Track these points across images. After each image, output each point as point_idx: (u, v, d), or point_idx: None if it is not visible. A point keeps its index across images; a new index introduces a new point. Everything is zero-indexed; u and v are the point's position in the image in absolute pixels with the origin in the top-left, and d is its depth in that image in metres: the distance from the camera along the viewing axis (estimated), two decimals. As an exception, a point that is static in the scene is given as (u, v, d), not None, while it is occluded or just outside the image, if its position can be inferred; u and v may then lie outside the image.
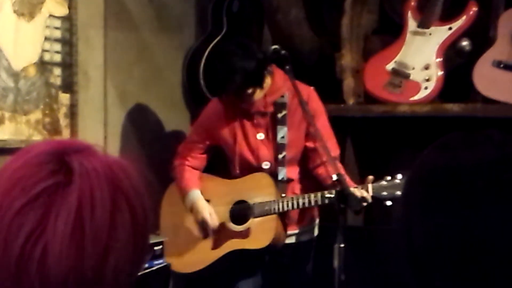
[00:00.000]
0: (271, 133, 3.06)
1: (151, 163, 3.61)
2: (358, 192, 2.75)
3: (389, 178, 2.84)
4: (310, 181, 3.10)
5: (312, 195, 2.91)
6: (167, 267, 3.00)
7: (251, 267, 3.17)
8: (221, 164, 3.28)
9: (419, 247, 1.06)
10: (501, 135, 1.06)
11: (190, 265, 3.17)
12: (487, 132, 1.07)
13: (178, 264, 3.16)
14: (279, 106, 3.04)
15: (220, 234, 3.11)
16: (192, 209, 3.13)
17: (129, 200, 0.92)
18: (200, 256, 3.14)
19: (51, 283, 0.85)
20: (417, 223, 1.06)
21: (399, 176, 2.83)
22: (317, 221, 3.23)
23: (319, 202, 2.90)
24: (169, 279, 3.02)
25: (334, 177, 2.62)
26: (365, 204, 2.79)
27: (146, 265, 2.88)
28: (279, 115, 3.04)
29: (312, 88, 3.09)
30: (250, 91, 2.90)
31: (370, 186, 2.81)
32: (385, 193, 2.82)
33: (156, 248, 2.96)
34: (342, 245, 2.50)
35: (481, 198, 1.00)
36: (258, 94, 2.95)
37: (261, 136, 3.06)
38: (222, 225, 3.11)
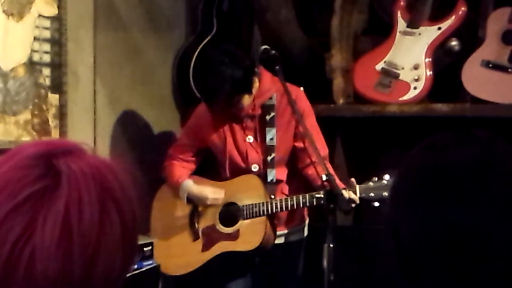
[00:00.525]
0: (260, 135, 3.06)
1: (141, 164, 3.60)
2: (346, 193, 2.76)
3: (376, 179, 2.84)
4: (300, 181, 3.10)
5: (301, 197, 2.91)
6: (156, 268, 2.99)
7: (241, 269, 3.17)
8: (210, 167, 3.28)
9: (407, 244, 1.07)
10: (487, 135, 1.07)
11: (180, 267, 3.17)
12: (473, 132, 1.09)
13: (168, 266, 3.15)
14: (268, 108, 3.05)
15: (210, 236, 3.11)
16: (190, 198, 3.11)
17: (117, 202, 0.91)
18: (189, 259, 3.14)
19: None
20: (405, 220, 1.07)
21: (386, 177, 2.84)
22: (307, 221, 3.23)
23: (308, 204, 2.90)
24: (159, 280, 3.02)
25: (324, 177, 2.63)
26: (353, 205, 2.80)
27: (136, 266, 2.87)
28: (268, 117, 3.04)
29: (300, 88, 3.09)
30: (239, 99, 2.91)
31: (357, 187, 2.82)
32: (372, 194, 2.83)
33: (145, 249, 2.95)
34: (331, 245, 2.50)
35: (467, 195, 1.02)
36: (247, 99, 2.95)
37: (250, 139, 3.07)
38: (212, 227, 3.11)
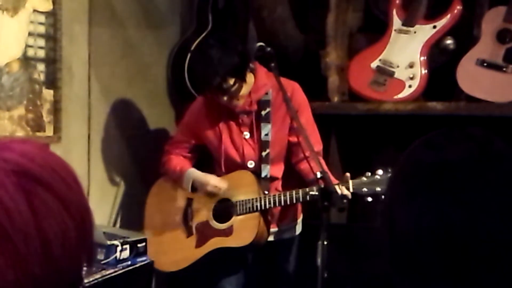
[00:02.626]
0: (256, 131, 3.06)
1: (135, 160, 3.60)
2: (338, 189, 2.76)
3: (369, 174, 2.85)
4: (296, 180, 3.10)
5: (294, 192, 2.91)
6: (149, 265, 2.99)
7: (234, 266, 3.17)
8: (205, 164, 3.28)
9: (401, 240, 1.07)
10: (482, 133, 1.08)
11: (173, 263, 3.16)
12: (469, 130, 1.09)
13: (162, 262, 3.14)
14: (263, 103, 3.04)
15: (203, 232, 3.11)
16: (194, 185, 3.11)
17: (41, 180, 0.87)
18: (183, 255, 3.14)
19: None
20: (400, 216, 1.08)
21: (380, 172, 2.84)
22: (300, 218, 3.23)
23: (301, 199, 2.90)
24: (152, 277, 3.01)
25: (318, 175, 2.62)
26: (345, 201, 2.81)
27: (129, 263, 2.87)
28: (263, 113, 3.04)
29: (296, 83, 3.09)
30: (233, 85, 2.88)
31: (350, 182, 2.83)
32: (365, 189, 2.83)
33: (139, 245, 2.95)
34: (325, 243, 2.51)
35: (463, 193, 1.02)
36: (243, 89, 2.93)
37: (246, 135, 3.07)
38: (205, 223, 3.11)
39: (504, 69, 3.21)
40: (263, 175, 3.04)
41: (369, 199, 2.83)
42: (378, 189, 2.80)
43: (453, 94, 3.38)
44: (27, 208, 0.84)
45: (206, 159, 3.26)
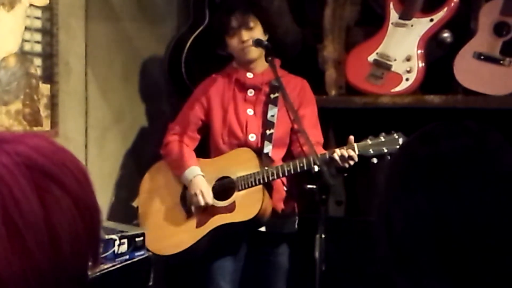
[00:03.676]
0: (262, 110, 3.10)
1: (132, 154, 3.60)
2: (344, 152, 2.81)
3: (372, 137, 2.88)
4: None
5: (297, 161, 2.90)
6: (148, 259, 2.99)
7: (229, 260, 3.14)
8: (201, 148, 3.27)
9: (398, 233, 1.08)
10: (477, 126, 1.08)
11: (173, 246, 3.12)
12: (465, 123, 1.10)
13: (161, 247, 3.11)
14: (273, 88, 3.10)
15: (204, 212, 3.07)
16: (189, 184, 3.09)
17: (53, 175, 0.88)
18: (183, 236, 3.09)
19: None
20: (397, 209, 1.08)
21: (383, 134, 2.89)
22: (296, 217, 3.22)
23: (305, 167, 2.87)
24: (150, 271, 3.01)
25: (316, 169, 2.63)
26: (352, 163, 2.84)
27: (127, 257, 2.87)
28: (272, 96, 3.10)
29: (305, 79, 3.22)
30: (250, 25, 3.05)
31: (355, 145, 2.86)
32: (371, 150, 2.87)
33: (137, 239, 2.95)
34: (323, 236, 2.51)
35: (459, 185, 1.03)
36: (256, 33, 3.06)
37: (250, 111, 3.11)
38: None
39: (501, 62, 3.21)
40: (265, 151, 3.05)
41: (375, 160, 2.86)
42: (384, 149, 2.85)
43: (450, 87, 3.38)
44: (38, 202, 0.84)
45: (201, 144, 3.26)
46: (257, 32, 3.10)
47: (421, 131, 1.13)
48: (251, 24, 3.09)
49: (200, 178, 3.07)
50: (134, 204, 3.22)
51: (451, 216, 1.02)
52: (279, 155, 3.12)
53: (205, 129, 3.22)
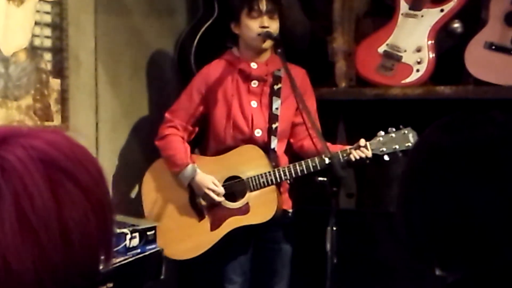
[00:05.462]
0: (267, 102, 3.07)
1: (143, 148, 3.61)
2: (361, 153, 2.84)
3: (382, 133, 2.88)
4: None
5: (310, 161, 2.89)
6: (159, 252, 2.99)
7: (239, 252, 3.14)
8: (199, 142, 3.25)
9: (417, 225, 1.06)
10: (503, 116, 1.06)
11: (189, 250, 3.08)
12: (489, 113, 1.08)
13: (175, 251, 3.08)
14: (276, 78, 3.08)
15: (216, 214, 3.05)
16: (192, 185, 3.06)
17: (67, 170, 0.88)
18: (199, 240, 3.06)
19: (27, 285, 0.83)
20: (417, 201, 1.07)
21: (392, 129, 2.91)
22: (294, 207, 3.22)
23: (319, 167, 2.87)
24: (162, 264, 3.01)
25: (327, 161, 2.63)
26: (367, 161, 2.86)
27: (139, 251, 2.88)
28: (275, 87, 3.07)
29: (304, 69, 3.17)
30: (270, 10, 2.98)
31: (368, 144, 2.86)
32: (383, 148, 2.88)
33: (148, 233, 2.95)
34: (334, 228, 2.51)
35: (482, 176, 1.01)
36: (273, 27, 2.99)
37: (254, 104, 3.07)
38: (217, 204, 3.04)
39: (512, 52, 3.20)
40: (272, 146, 3.03)
41: (386, 157, 2.87)
42: (396, 146, 2.87)
43: (461, 78, 3.36)
44: (51, 196, 0.85)
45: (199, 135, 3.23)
46: (276, 24, 3.04)
47: (440, 121, 1.11)
48: (275, 15, 3.03)
49: (201, 175, 3.03)
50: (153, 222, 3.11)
51: (473, 209, 1.00)
52: (282, 148, 3.12)
53: (203, 121, 3.17)
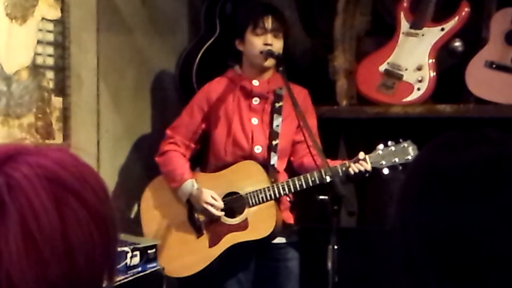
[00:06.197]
0: (268, 119, 3.07)
1: (143, 167, 3.61)
2: (360, 167, 2.83)
3: (382, 146, 2.88)
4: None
5: (309, 175, 2.88)
6: (160, 271, 2.98)
7: (241, 269, 3.12)
8: (199, 159, 3.25)
9: (413, 244, 1.06)
10: (497, 134, 1.06)
11: (187, 268, 3.07)
12: (483, 131, 1.08)
13: (173, 268, 3.06)
14: (278, 96, 3.08)
15: (215, 230, 3.04)
16: (191, 200, 3.05)
17: (73, 190, 0.88)
18: (197, 257, 3.05)
19: None
20: (412, 219, 1.07)
21: (392, 143, 2.91)
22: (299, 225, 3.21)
23: (318, 182, 2.86)
24: (163, 283, 3.00)
25: (328, 179, 2.62)
26: (367, 175, 2.85)
27: (139, 269, 2.87)
28: (277, 105, 3.08)
29: (306, 89, 3.18)
30: (275, 28, 3.00)
31: (367, 157, 2.85)
32: (383, 162, 2.87)
33: (149, 251, 2.94)
34: (335, 247, 2.50)
35: (476, 196, 1.01)
36: (277, 46, 3.00)
37: (255, 121, 3.07)
38: (215, 220, 3.04)
39: (513, 70, 3.21)
40: (271, 163, 3.02)
41: (386, 171, 2.86)
42: (396, 160, 2.87)
43: (462, 97, 3.37)
44: (56, 214, 0.85)
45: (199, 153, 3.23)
46: (280, 43, 3.04)
47: (437, 139, 1.11)
48: (280, 34, 3.04)
49: (199, 190, 3.02)
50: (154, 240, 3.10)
51: (468, 228, 1.00)
52: (282, 166, 3.12)
53: (204, 138, 3.17)
